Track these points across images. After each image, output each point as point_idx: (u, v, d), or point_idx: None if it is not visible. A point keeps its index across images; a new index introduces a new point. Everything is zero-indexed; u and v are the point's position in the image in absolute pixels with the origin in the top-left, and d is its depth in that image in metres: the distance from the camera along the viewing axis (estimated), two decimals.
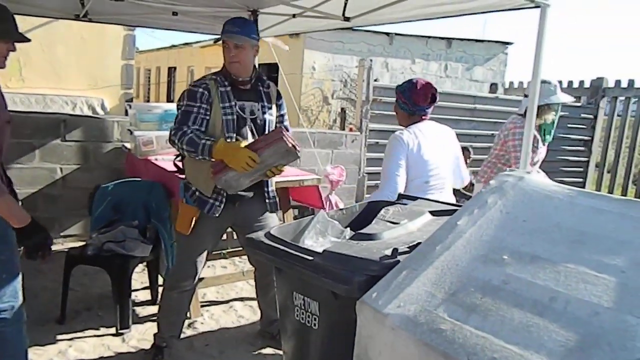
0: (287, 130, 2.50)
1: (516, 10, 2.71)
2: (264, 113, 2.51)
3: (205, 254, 2.60)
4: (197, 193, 2.48)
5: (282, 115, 2.67)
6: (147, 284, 3.46)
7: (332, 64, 8.99)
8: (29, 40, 1.99)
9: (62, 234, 4.44)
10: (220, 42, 2.46)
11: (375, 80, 6.02)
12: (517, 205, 1.34)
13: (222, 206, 2.46)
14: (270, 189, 2.63)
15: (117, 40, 6.70)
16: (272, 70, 8.34)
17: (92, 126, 4.54)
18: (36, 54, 6.11)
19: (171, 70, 16.43)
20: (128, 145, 4.36)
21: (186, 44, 14.36)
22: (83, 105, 6.50)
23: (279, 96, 2.64)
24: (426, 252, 1.28)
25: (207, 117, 2.40)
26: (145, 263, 3.35)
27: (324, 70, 8.95)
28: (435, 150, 2.50)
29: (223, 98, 2.42)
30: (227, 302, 3.49)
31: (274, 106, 2.59)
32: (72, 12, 3.77)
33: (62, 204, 4.45)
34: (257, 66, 2.60)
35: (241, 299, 3.51)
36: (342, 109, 7.81)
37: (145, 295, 3.43)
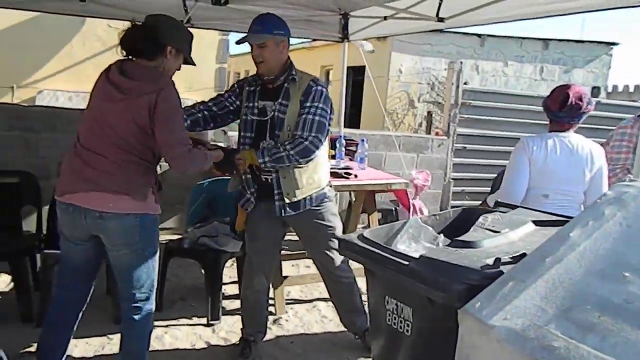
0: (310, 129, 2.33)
1: (630, 8, 2.50)
2: (277, 111, 2.37)
3: (264, 251, 2.60)
4: (238, 187, 2.54)
5: (303, 108, 2.35)
6: (235, 279, 3.59)
7: (420, 67, 8.83)
8: (194, 64, 2.20)
9: (159, 226, 4.73)
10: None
11: (465, 84, 5.84)
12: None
13: (254, 201, 2.48)
14: (277, 191, 2.42)
15: (212, 44, 7.05)
16: (358, 72, 8.37)
17: None
18: None
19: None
20: (221, 145, 4.57)
21: None
22: None
23: (307, 90, 2.37)
24: (534, 264, 1.20)
25: (227, 104, 2.51)
26: (234, 258, 3.47)
27: (411, 73, 8.82)
28: (566, 165, 2.29)
29: (248, 98, 2.46)
30: (310, 301, 3.53)
31: (294, 102, 2.36)
32: (176, 18, 4.01)
33: (162, 199, 4.73)
34: (290, 62, 2.43)
35: (324, 299, 3.53)
36: (429, 113, 7.66)
37: (233, 289, 3.56)
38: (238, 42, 2.41)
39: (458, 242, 1.55)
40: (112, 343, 2.79)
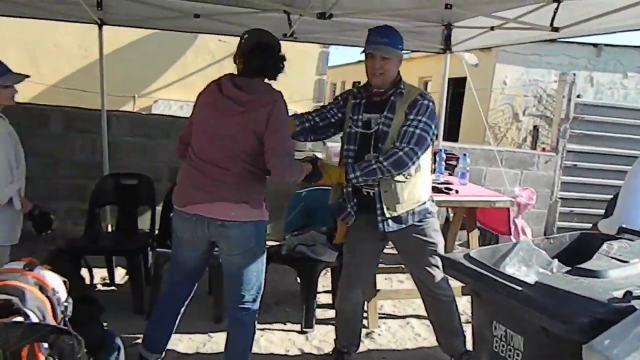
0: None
1: None
2: (382, 124, 2.33)
3: (364, 264, 2.56)
4: (338, 200, 2.51)
5: (406, 121, 2.30)
6: (329, 288, 3.61)
7: (526, 79, 8.36)
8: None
9: None
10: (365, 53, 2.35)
11: (578, 97, 5.43)
12: None
13: (354, 215, 2.43)
14: (378, 205, 2.35)
15: (313, 56, 7.22)
16: (458, 84, 8.12)
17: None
18: None
19: (355, 85, 17.14)
20: (319, 155, 4.65)
21: None
22: None
23: (414, 103, 2.31)
24: None
25: (328, 116, 2.50)
26: (329, 268, 3.50)
27: (516, 85, 8.38)
28: None
29: (353, 110, 2.42)
30: (403, 317, 3.46)
31: (399, 115, 2.31)
32: (280, 32, 4.16)
33: None
34: (400, 76, 2.41)
35: (418, 317, 3.44)
36: (535, 127, 7.23)
37: (327, 298, 3.58)
38: (364, 52, 2.35)
39: (579, 269, 1.43)
40: (212, 341, 2.92)
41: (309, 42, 4.78)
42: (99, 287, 3.61)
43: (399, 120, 2.32)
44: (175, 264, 2.40)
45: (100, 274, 3.67)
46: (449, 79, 4.81)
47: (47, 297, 1.62)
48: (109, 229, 4.22)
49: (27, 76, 2.43)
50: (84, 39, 6.61)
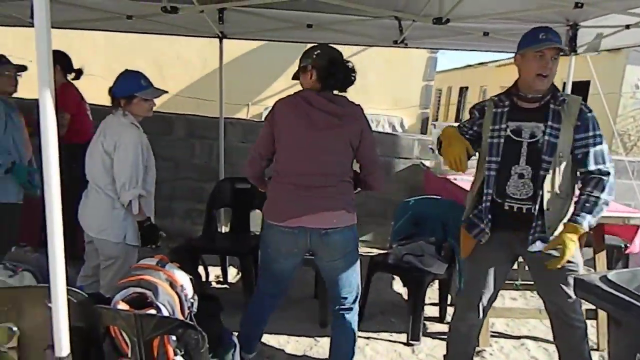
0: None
1: None
2: (548, 135, 2.11)
3: (488, 284, 2.35)
4: (469, 215, 2.34)
5: (585, 139, 2.11)
6: (436, 301, 3.49)
7: None
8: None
9: (362, 239, 4.89)
10: (520, 54, 2.13)
11: None
12: None
13: (489, 232, 2.23)
14: (538, 222, 2.15)
15: (420, 62, 7.11)
16: (581, 89, 7.50)
17: (394, 143, 4.90)
18: None
19: (462, 90, 16.58)
20: (427, 163, 4.54)
21: (481, 63, 14.25)
22: (385, 122, 7.10)
23: (583, 116, 2.12)
24: None
25: (467, 137, 2.30)
26: (437, 280, 3.39)
27: None
28: None
29: (494, 120, 2.22)
30: (517, 337, 3.24)
31: (567, 127, 2.11)
32: (390, 38, 4.13)
33: (362, 212, 4.87)
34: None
35: (534, 339, 3.21)
36: None
37: (433, 311, 3.47)
38: (531, 50, 2.10)
39: None
40: (318, 345, 2.96)
41: (419, 47, 4.70)
42: (213, 284, 3.82)
43: (568, 132, 2.12)
44: (268, 276, 2.45)
45: (214, 272, 3.89)
46: (574, 83, 4.45)
47: (176, 293, 1.74)
48: (223, 230, 4.46)
49: (165, 92, 2.65)
50: (203, 51, 7.12)
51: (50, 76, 1.44)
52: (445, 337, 2.68)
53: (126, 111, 2.54)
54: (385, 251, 3.45)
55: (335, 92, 2.26)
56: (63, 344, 1.58)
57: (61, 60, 3.75)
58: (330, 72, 2.19)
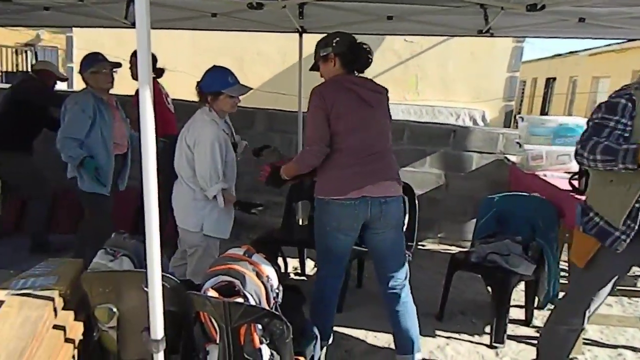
0: None
1: None
2: None
3: (603, 292, 2.18)
4: (599, 221, 2.09)
5: None
6: (521, 303, 3.33)
7: None
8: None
9: (439, 235, 4.78)
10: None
11: None
12: None
13: (628, 240, 2.00)
14: None
15: (504, 52, 6.78)
16: None
17: (478, 137, 4.70)
18: (431, 69, 6.82)
19: (549, 82, 15.64)
20: (513, 158, 4.33)
21: (571, 52, 13.35)
22: (465, 116, 6.86)
23: None
24: None
25: (626, 134, 1.98)
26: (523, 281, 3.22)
27: None
28: None
29: None
30: (614, 347, 3.00)
31: None
32: (474, 28, 3.96)
33: (442, 208, 4.78)
34: None
35: (633, 349, 2.97)
36: None
37: (518, 313, 3.30)
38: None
39: None
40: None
41: (506, 36, 4.47)
42: (292, 276, 3.89)
43: None
44: (327, 256, 2.52)
45: (292, 264, 3.96)
46: None
47: (262, 283, 1.78)
48: (300, 223, 4.52)
49: (250, 88, 2.75)
50: (282, 47, 7.25)
51: (149, 74, 1.52)
52: (532, 341, 2.57)
53: (212, 107, 2.63)
54: (467, 249, 3.33)
55: None
56: (158, 327, 1.68)
57: None
58: (353, 56, 2.38)
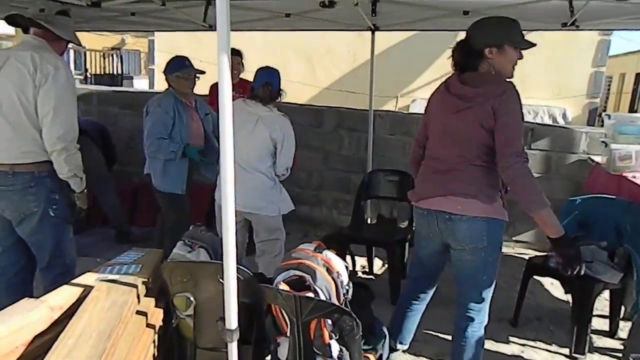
0: None
1: None
2: None
3: None
4: None
5: None
6: (605, 312, 3.12)
7: None
8: (532, 45, 2.09)
9: (514, 238, 4.58)
10: None
11: None
12: None
13: None
14: None
15: (589, 46, 6.38)
16: None
17: (558, 136, 4.46)
18: None
19: (638, 77, 14.51)
20: (597, 158, 4.06)
21: None
22: (544, 114, 6.53)
23: None
24: None
25: None
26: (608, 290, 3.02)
27: None
28: None
29: None
30: None
31: None
32: (558, 21, 3.75)
33: (518, 210, 4.51)
34: None
35: None
36: None
37: (602, 324, 3.10)
38: None
39: None
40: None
41: (593, 29, 4.20)
42: (359, 274, 3.89)
43: None
44: (416, 259, 2.45)
45: (359, 262, 3.96)
46: None
47: (333, 278, 1.79)
48: (369, 221, 4.51)
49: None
50: (353, 45, 7.25)
51: (228, 76, 1.57)
52: (616, 354, 2.41)
53: (273, 104, 2.89)
54: (545, 253, 3.17)
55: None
56: (232, 317, 1.73)
57: None
58: (453, 55, 2.17)
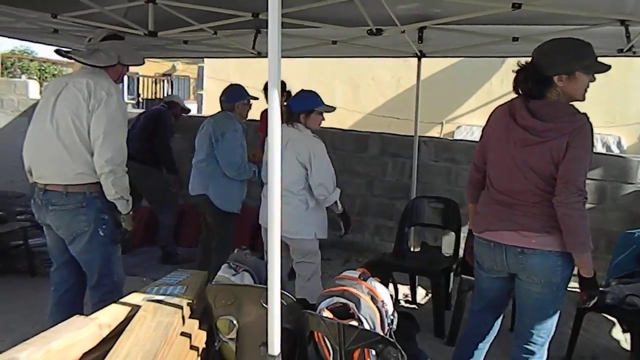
0: None
1: None
2: None
3: None
4: None
5: None
6: None
7: None
8: (605, 70, 1.98)
9: None
10: None
11: None
12: None
13: None
14: None
15: None
16: None
17: (612, 165, 4.28)
18: None
19: None
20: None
21: None
22: (598, 142, 6.28)
23: None
24: None
25: None
26: None
27: None
28: None
29: None
30: None
31: None
32: (614, 47, 3.63)
33: None
34: None
35: None
36: None
37: None
38: None
39: None
40: None
41: None
42: (402, 303, 3.80)
43: None
44: (477, 292, 2.35)
45: (402, 290, 3.87)
46: None
47: (377, 307, 1.76)
48: (412, 249, 4.43)
49: (334, 108, 2.97)
50: (397, 71, 7.26)
51: (278, 100, 1.60)
52: None
53: (304, 124, 2.88)
54: (602, 289, 3.00)
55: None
56: (275, 343, 1.72)
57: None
58: (518, 81, 2.03)
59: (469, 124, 7.03)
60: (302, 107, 2.89)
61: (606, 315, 3.26)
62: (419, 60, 4.27)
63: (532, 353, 2.09)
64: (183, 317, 1.97)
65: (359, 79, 7.68)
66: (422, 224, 3.85)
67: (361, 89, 7.66)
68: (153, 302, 1.99)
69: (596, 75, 2.02)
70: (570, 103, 1.97)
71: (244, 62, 6.76)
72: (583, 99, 1.98)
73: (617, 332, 3.25)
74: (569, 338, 2.95)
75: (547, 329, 2.08)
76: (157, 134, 4.37)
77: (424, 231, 4.22)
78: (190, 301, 2.05)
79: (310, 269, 2.96)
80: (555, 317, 2.08)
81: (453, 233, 3.61)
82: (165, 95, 14.23)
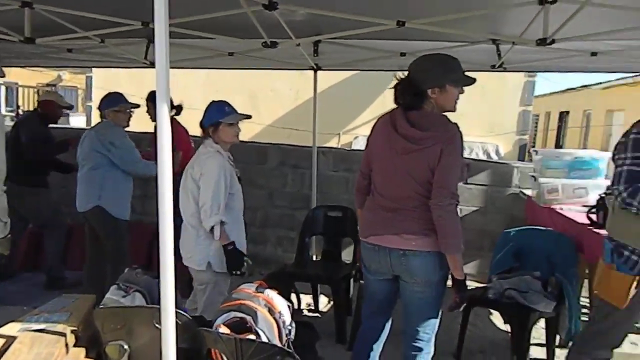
0: None
1: None
2: None
3: (630, 327, 2.18)
4: (638, 259, 2.08)
5: None
6: (542, 341, 3.22)
7: None
8: (471, 83, 2.14)
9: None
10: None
11: None
12: None
13: None
14: None
15: (516, 87, 6.83)
16: None
17: (493, 171, 4.68)
18: None
19: (562, 115, 15.62)
20: (528, 192, 4.28)
21: (584, 86, 13.37)
22: (479, 150, 6.85)
23: None
24: None
25: None
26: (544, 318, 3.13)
27: None
28: None
29: None
30: None
31: None
32: (488, 63, 4.00)
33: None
34: None
35: None
36: None
37: (539, 352, 3.19)
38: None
39: None
40: None
41: (518, 71, 4.51)
42: (305, 312, 3.83)
43: None
44: (367, 295, 2.45)
45: (305, 300, 3.90)
46: None
47: (275, 319, 1.75)
48: (314, 258, 4.49)
49: (249, 116, 2.74)
50: (294, 84, 7.39)
51: (167, 112, 1.55)
52: None
53: (215, 139, 2.63)
54: (484, 285, 3.26)
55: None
56: None
57: None
58: (396, 93, 2.16)
59: (365, 134, 7.30)
60: (207, 120, 2.64)
61: (491, 310, 3.55)
62: (315, 73, 4.37)
63: (420, 349, 2.23)
64: (67, 346, 1.82)
65: (258, 90, 7.69)
66: (322, 233, 3.92)
67: (260, 100, 7.67)
68: (31, 332, 1.82)
69: (475, 91, 2.20)
70: (443, 113, 2.13)
71: (138, 73, 6.48)
72: (454, 110, 2.15)
73: (501, 324, 3.54)
74: (459, 334, 3.15)
75: (432, 325, 2.22)
76: (27, 146, 3.85)
77: (325, 240, 4.29)
78: (75, 328, 1.90)
79: (205, 298, 2.66)
80: (438, 314, 2.24)
81: (352, 240, 3.72)
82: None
